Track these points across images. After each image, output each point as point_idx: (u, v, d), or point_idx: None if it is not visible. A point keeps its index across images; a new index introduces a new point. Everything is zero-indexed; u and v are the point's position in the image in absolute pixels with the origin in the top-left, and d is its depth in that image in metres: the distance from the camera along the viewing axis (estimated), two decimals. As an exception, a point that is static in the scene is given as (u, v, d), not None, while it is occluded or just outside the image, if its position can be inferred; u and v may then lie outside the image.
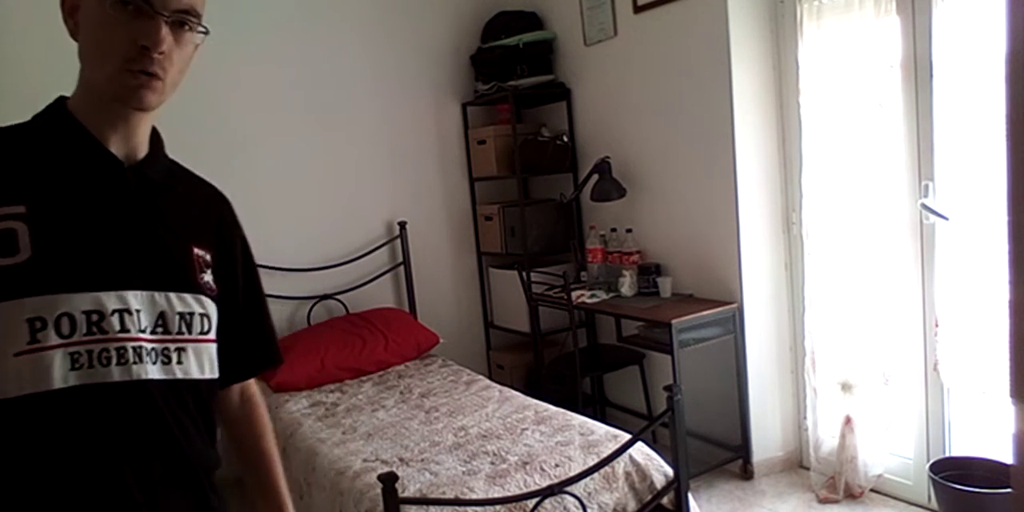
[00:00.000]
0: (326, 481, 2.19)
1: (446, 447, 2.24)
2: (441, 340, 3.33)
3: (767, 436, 2.91)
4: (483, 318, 3.88)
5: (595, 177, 3.20)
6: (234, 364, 1.04)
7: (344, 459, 2.23)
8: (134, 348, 0.85)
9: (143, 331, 0.87)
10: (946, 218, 2.31)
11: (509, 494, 1.89)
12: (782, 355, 2.93)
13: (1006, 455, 2.16)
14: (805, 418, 2.88)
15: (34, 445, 0.81)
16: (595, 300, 3.08)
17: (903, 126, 2.41)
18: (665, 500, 2.08)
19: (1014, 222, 0.65)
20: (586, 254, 3.38)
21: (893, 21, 2.36)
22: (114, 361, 0.83)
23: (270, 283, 3.18)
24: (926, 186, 2.38)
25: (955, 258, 2.32)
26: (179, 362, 0.90)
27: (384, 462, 2.17)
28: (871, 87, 2.43)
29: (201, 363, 0.93)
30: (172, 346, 0.90)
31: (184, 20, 0.87)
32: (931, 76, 2.31)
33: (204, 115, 3.09)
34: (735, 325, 2.83)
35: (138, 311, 0.86)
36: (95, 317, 0.83)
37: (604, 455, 2.00)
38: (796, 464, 2.97)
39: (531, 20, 3.52)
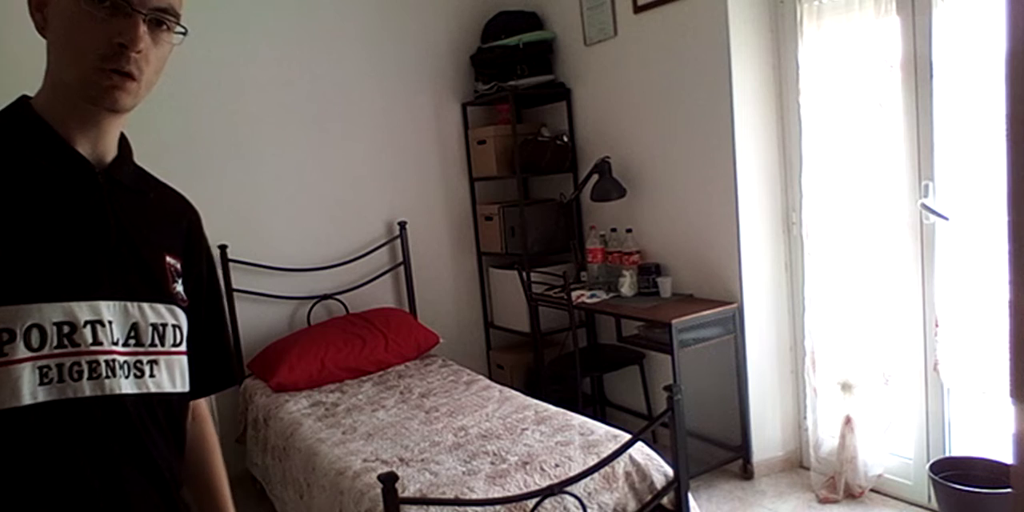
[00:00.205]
0: (326, 481, 2.19)
1: (446, 447, 2.24)
2: (441, 340, 3.34)
3: (767, 436, 2.91)
4: (483, 318, 3.88)
5: (595, 177, 3.20)
6: (191, 381, 0.98)
7: (344, 459, 2.23)
8: (107, 362, 0.81)
9: (116, 343, 0.83)
10: (946, 218, 2.31)
11: (509, 494, 1.89)
12: (782, 355, 2.93)
13: (1006, 455, 2.16)
14: (805, 418, 2.88)
15: (2, 463, 0.77)
16: (595, 300, 3.08)
17: (903, 126, 2.41)
18: (665, 500, 2.08)
19: (1014, 222, 0.65)
20: (586, 254, 3.38)
21: (893, 21, 2.36)
22: (86, 375, 0.80)
23: (271, 283, 3.25)
24: (926, 186, 2.38)
25: (955, 258, 2.32)
26: (151, 375, 0.86)
27: (384, 462, 2.17)
28: (871, 87, 2.43)
29: (173, 376, 0.90)
30: (145, 359, 0.86)
31: (162, 19, 0.83)
32: (931, 76, 2.31)
33: (204, 115, 3.10)
34: (735, 325, 2.83)
35: (110, 322, 0.83)
36: (66, 329, 0.78)
37: (604, 455, 2.00)
38: (796, 464, 2.97)
39: (531, 20, 3.52)
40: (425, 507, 1.83)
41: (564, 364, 3.18)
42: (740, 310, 2.82)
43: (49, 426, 0.78)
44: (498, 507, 1.82)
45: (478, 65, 3.62)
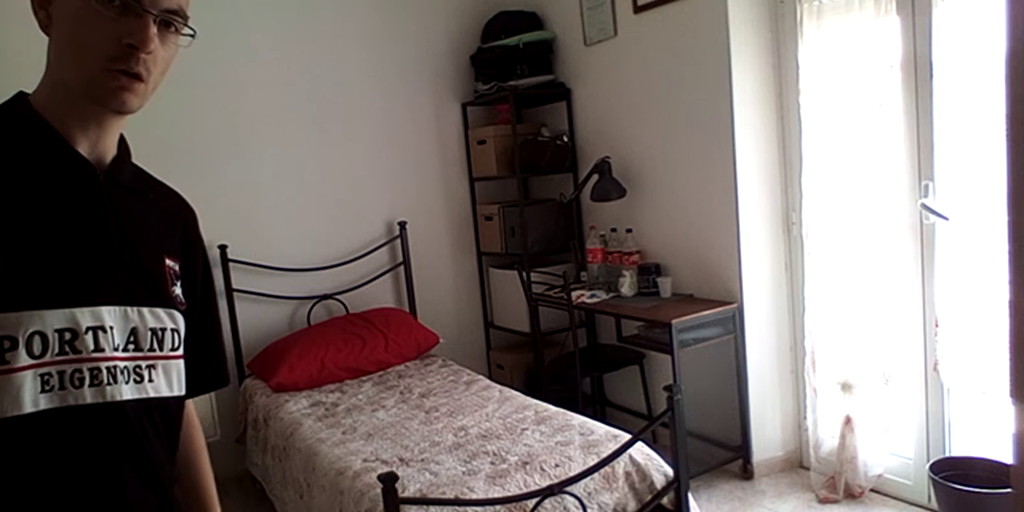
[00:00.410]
0: (326, 481, 2.19)
1: (446, 447, 2.24)
2: (441, 340, 3.34)
3: (767, 436, 2.91)
4: (483, 318, 3.88)
5: (595, 177, 3.20)
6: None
7: (344, 459, 2.23)
8: (108, 368, 0.80)
9: (116, 349, 0.82)
10: (946, 218, 2.31)
11: (509, 494, 1.89)
12: (782, 355, 2.93)
13: (1006, 455, 2.16)
14: (805, 418, 2.88)
15: (3, 472, 0.76)
16: (595, 300, 3.08)
17: (903, 126, 2.41)
18: (665, 500, 2.08)
19: (1014, 222, 0.65)
20: (586, 254, 3.38)
21: (893, 21, 2.36)
22: (87, 382, 0.79)
23: (271, 283, 3.25)
24: (926, 186, 2.38)
25: (955, 258, 2.32)
26: (151, 380, 0.86)
27: (384, 462, 2.17)
28: (871, 87, 2.43)
29: (171, 380, 0.89)
30: (144, 364, 0.85)
31: (171, 20, 0.82)
32: (931, 76, 2.31)
33: (205, 115, 3.10)
34: (735, 325, 2.83)
35: (111, 328, 0.81)
36: (68, 336, 0.77)
37: (604, 455, 2.00)
38: (796, 464, 2.97)
39: (531, 20, 3.52)
40: (425, 507, 1.83)
41: (564, 364, 3.18)
42: (740, 310, 2.82)
43: (50, 433, 0.77)
44: (498, 507, 1.82)
45: (478, 65, 3.62)
